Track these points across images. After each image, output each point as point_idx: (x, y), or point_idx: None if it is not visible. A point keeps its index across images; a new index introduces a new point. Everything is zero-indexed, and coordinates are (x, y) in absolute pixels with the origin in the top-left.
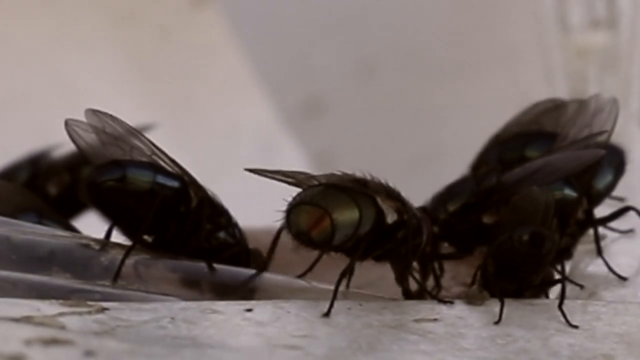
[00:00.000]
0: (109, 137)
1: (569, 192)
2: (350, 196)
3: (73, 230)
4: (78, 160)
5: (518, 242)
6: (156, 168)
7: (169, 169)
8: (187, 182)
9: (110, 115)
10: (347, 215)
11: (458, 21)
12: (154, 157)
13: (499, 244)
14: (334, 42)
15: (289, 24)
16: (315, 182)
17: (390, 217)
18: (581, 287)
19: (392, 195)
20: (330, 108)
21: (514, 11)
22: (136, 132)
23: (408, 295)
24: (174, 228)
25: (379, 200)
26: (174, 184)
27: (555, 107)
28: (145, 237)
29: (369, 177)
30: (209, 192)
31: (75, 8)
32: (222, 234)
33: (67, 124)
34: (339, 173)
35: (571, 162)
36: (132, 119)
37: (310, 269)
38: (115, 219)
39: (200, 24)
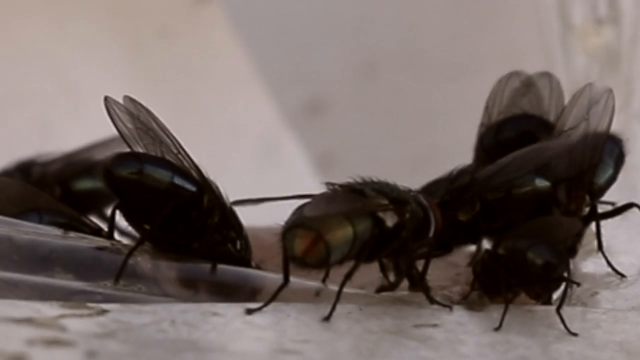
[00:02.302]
0: (142, 125)
1: (542, 183)
2: (343, 215)
3: (85, 223)
4: (69, 172)
5: (531, 262)
6: (175, 169)
7: (189, 172)
8: (203, 189)
9: (146, 108)
10: (340, 235)
11: (459, 21)
12: (179, 156)
13: (512, 250)
14: (336, 42)
15: (291, 23)
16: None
17: (391, 221)
18: (578, 284)
19: (392, 197)
20: (332, 108)
21: (515, 11)
22: (166, 131)
23: (413, 283)
24: (181, 230)
25: (376, 208)
26: (190, 187)
27: (525, 85)
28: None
29: (368, 181)
30: (227, 204)
31: (77, 6)
32: (228, 246)
33: (107, 99)
34: (333, 188)
35: (541, 154)
36: None
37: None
38: (129, 208)
39: (202, 23)
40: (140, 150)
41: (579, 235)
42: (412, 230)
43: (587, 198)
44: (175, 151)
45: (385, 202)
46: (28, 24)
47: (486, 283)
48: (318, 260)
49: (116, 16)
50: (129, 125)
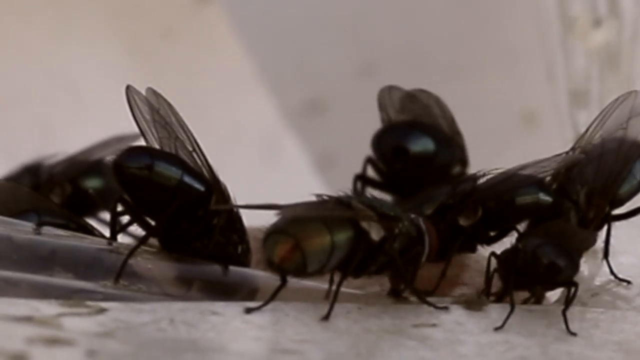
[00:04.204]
0: (160, 118)
1: (544, 196)
2: (322, 223)
3: (86, 228)
4: (77, 170)
5: (538, 263)
6: (185, 167)
7: (201, 171)
8: (212, 189)
9: (168, 103)
10: (318, 244)
11: (459, 21)
12: (194, 154)
13: (519, 250)
14: (336, 42)
15: (292, 23)
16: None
17: (377, 235)
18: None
19: (380, 212)
20: (332, 108)
21: (515, 10)
22: (185, 127)
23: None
24: (184, 228)
25: (361, 220)
26: (198, 187)
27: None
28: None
29: (358, 195)
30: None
31: (78, 6)
32: (229, 249)
33: (129, 88)
34: (319, 198)
35: (547, 167)
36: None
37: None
38: (136, 203)
39: (203, 23)
40: (155, 143)
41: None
42: (403, 249)
43: (607, 208)
44: (190, 148)
45: (370, 214)
46: (29, 24)
47: (511, 281)
48: (295, 267)
49: (117, 16)
50: (147, 117)
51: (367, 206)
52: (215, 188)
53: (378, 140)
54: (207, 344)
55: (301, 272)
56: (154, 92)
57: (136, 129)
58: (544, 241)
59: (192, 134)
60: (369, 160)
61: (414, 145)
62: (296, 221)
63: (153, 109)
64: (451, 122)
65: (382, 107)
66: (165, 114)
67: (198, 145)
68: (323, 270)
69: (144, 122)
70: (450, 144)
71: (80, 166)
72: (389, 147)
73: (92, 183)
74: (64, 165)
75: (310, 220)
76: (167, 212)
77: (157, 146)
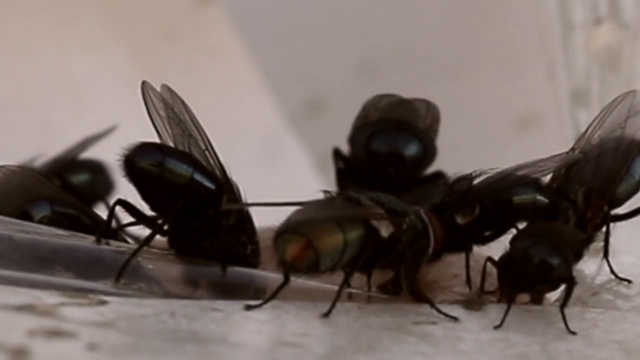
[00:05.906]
0: (174, 115)
1: (541, 196)
2: (334, 221)
3: (91, 214)
4: (62, 165)
5: (530, 263)
6: (197, 165)
7: (212, 169)
8: (223, 188)
9: (182, 100)
10: (330, 242)
11: (460, 21)
12: (206, 152)
13: (514, 251)
14: (337, 42)
15: (293, 24)
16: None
17: (386, 231)
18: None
19: (388, 208)
20: (333, 108)
21: (516, 10)
22: (198, 125)
23: (417, 296)
24: (194, 227)
25: (370, 217)
26: (209, 185)
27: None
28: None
29: (364, 192)
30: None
31: (79, 7)
32: (238, 249)
33: (144, 84)
34: (329, 195)
35: (544, 167)
36: (135, 118)
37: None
38: (145, 200)
39: (204, 24)
40: (169, 140)
41: (587, 241)
42: (410, 243)
43: (605, 208)
44: (203, 147)
45: (381, 211)
46: (31, 25)
47: (511, 282)
48: (308, 266)
49: (119, 17)
50: (162, 113)
51: (376, 202)
52: (226, 187)
53: (366, 143)
54: (208, 335)
55: (314, 270)
56: (169, 90)
57: (111, 126)
58: (533, 241)
59: (205, 133)
60: (336, 154)
61: (406, 150)
62: (307, 220)
63: (168, 105)
64: (435, 120)
65: (364, 107)
66: (180, 112)
67: (210, 144)
68: (335, 268)
69: (158, 118)
70: (425, 137)
71: (62, 164)
72: (382, 152)
73: (75, 179)
74: (48, 164)
75: (321, 219)
76: (173, 209)
77: (170, 143)
